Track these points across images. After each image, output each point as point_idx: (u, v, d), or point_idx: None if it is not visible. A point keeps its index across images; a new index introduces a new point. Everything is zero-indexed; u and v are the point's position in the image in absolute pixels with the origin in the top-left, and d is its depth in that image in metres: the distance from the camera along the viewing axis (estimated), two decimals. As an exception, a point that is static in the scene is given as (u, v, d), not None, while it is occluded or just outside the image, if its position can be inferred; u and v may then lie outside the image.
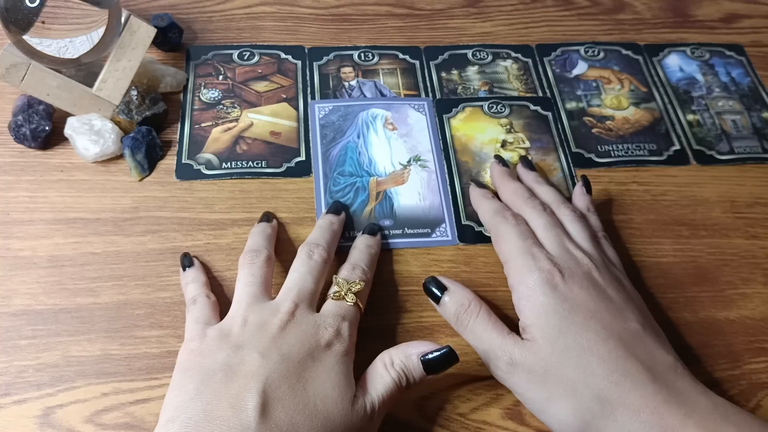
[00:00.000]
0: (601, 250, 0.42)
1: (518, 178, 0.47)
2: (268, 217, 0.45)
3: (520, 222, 0.42)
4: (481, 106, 0.54)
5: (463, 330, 0.39)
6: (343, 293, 0.38)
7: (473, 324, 0.38)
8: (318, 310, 0.38)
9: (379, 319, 0.42)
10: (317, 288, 0.39)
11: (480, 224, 0.46)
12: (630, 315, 0.37)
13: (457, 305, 0.39)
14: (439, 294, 0.40)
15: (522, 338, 0.37)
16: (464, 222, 0.47)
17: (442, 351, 0.35)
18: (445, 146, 0.51)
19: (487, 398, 0.39)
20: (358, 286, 0.39)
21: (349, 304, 0.38)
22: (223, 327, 0.36)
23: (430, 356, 0.35)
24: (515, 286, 0.39)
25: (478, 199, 0.45)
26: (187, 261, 0.42)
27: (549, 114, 0.54)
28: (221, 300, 0.42)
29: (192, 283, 0.41)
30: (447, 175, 0.49)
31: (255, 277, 0.39)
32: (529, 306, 0.37)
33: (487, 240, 0.46)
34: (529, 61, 0.58)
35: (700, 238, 0.48)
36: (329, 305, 0.38)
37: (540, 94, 0.56)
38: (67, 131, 0.47)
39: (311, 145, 0.50)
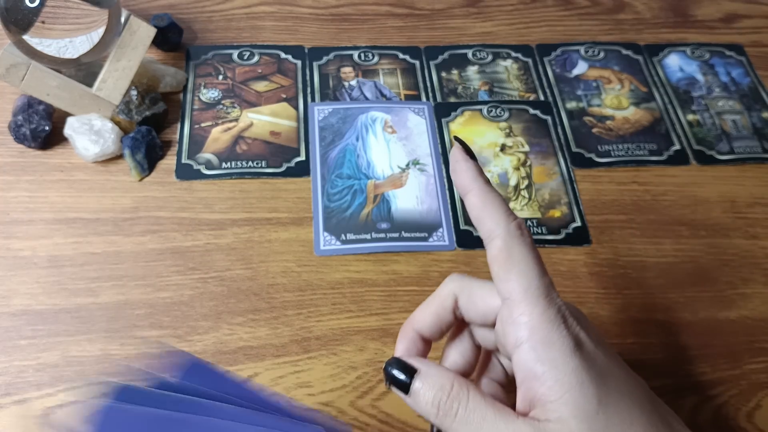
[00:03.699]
0: None
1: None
2: None
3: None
4: (480, 110, 0.54)
5: (450, 423, 0.27)
6: None
7: (465, 413, 0.27)
8: None
9: (379, 319, 0.42)
10: None
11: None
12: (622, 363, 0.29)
13: (435, 390, 0.28)
14: (406, 380, 0.28)
15: (538, 419, 0.26)
16: (463, 227, 0.47)
17: None
18: (444, 150, 0.51)
19: (486, 398, 0.39)
20: None
21: None
22: None
23: None
24: (534, 346, 0.27)
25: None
26: None
27: (548, 118, 0.54)
28: (219, 300, 0.42)
29: None
30: (446, 179, 0.49)
31: None
32: (556, 374, 0.26)
33: (486, 242, 0.45)
34: (530, 61, 0.58)
35: (700, 238, 0.48)
36: None
37: (540, 93, 0.56)
38: (67, 131, 0.47)
39: (310, 147, 0.50)
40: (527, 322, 0.27)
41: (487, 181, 0.29)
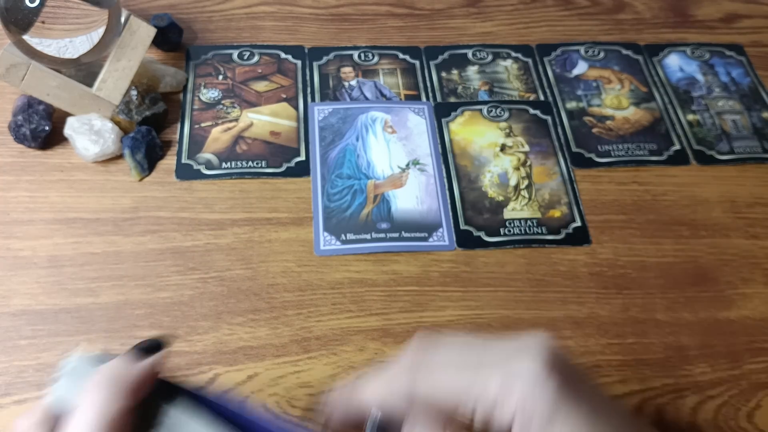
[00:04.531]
0: None
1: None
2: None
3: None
4: (481, 110, 0.54)
5: None
6: None
7: None
8: None
9: (379, 319, 0.42)
10: None
11: (479, 228, 0.46)
12: None
13: None
14: None
15: None
16: (463, 227, 0.47)
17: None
18: (444, 150, 0.51)
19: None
20: None
21: None
22: None
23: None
24: None
25: None
26: None
27: (548, 118, 0.54)
28: (219, 300, 0.42)
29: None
30: (446, 179, 0.49)
31: None
32: None
33: (486, 245, 0.46)
34: (530, 61, 0.58)
35: (700, 238, 0.48)
36: None
37: (540, 93, 0.56)
38: (67, 131, 0.47)
39: (310, 147, 0.50)
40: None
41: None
